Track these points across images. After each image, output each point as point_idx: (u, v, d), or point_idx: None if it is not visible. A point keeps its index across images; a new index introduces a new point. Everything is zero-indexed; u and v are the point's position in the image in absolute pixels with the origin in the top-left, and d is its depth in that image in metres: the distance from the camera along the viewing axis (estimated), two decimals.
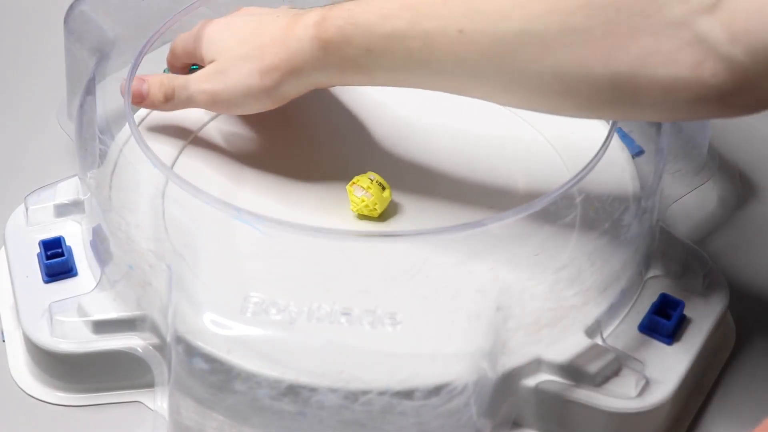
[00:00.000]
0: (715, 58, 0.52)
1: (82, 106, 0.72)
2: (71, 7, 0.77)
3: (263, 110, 0.70)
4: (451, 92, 0.64)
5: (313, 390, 0.60)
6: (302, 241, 0.65)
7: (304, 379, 0.60)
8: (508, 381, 0.63)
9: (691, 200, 0.77)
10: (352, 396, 0.60)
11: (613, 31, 0.54)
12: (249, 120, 0.76)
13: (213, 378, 0.61)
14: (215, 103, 0.71)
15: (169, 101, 0.72)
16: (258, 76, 0.68)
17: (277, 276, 0.66)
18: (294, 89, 0.68)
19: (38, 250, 0.71)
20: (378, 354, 0.62)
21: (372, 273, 0.66)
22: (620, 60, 0.55)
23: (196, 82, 0.71)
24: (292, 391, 0.60)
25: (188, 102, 0.72)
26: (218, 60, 0.70)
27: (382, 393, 0.60)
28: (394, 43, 0.62)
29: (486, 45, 0.59)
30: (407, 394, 0.60)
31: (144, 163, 0.67)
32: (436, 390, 0.60)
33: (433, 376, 0.60)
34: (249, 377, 0.61)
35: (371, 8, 0.63)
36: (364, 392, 0.60)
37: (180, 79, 0.72)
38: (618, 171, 0.72)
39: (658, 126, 0.71)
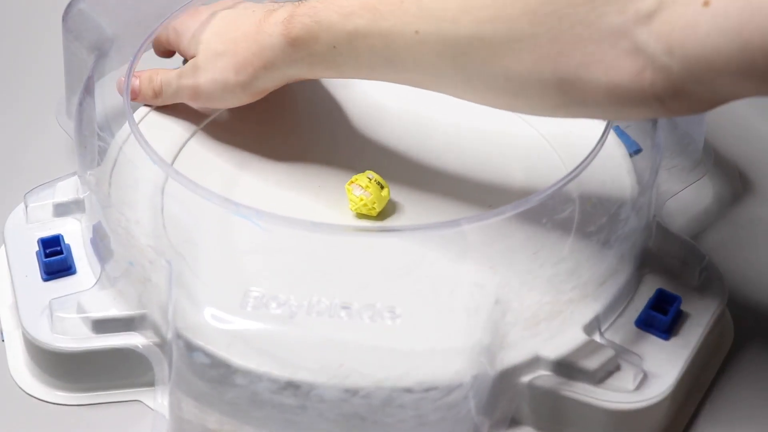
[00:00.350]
0: (653, 67, 0.54)
1: (81, 104, 0.72)
2: (69, 6, 0.77)
3: (242, 104, 0.73)
4: (416, 86, 0.66)
5: (312, 384, 0.60)
6: (301, 236, 0.66)
7: (304, 372, 0.60)
8: (506, 377, 0.63)
9: (687, 196, 0.77)
10: (352, 390, 0.60)
11: (557, 38, 0.56)
12: (248, 118, 0.76)
13: (213, 372, 0.61)
14: (197, 97, 0.73)
15: (158, 96, 0.75)
16: (233, 72, 0.70)
17: (277, 271, 0.66)
18: (269, 83, 0.70)
19: (37, 249, 0.71)
20: (377, 348, 0.62)
21: (371, 268, 0.66)
22: (566, 65, 0.56)
23: (178, 77, 0.73)
24: (293, 384, 0.60)
25: (175, 96, 0.74)
26: (197, 54, 0.72)
27: (380, 387, 0.60)
28: (357, 40, 0.64)
29: (440, 47, 0.60)
30: (406, 388, 0.60)
31: (144, 160, 0.67)
32: (435, 384, 0.60)
33: (431, 370, 0.60)
34: (249, 371, 0.61)
35: (334, 6, 0.64)
36: (363, 386, 0.60)
37: (166, 75, 0.74)
38: (615, 167, 0.73)
39: (654, 122, 0.71)
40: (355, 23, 0.63)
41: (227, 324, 0.62)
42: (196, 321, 0.62)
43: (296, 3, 0.68)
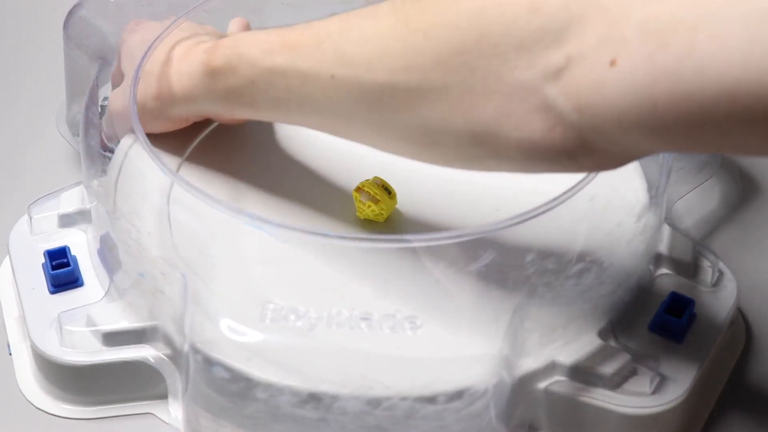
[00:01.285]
0: (563, 124, 0.53)
1: (86, 113, 0.71)
2: (71, 13, 0.76)
3: (164, 130, 0.71)
4: (332, 134, 0.65)
5: (335, 396, 0.60)
6: (316, 246, 0.65)
7: (326, 385, 0.60)
8: (524, 383, 0.63)
9: (694, 198, 0.77)
10: (375, 401, 0.60)
11: (470, 89, 0.55)
12: (252, 124, 0.76)
13: (233, 387, 0.61)
14: (123, 119, 0.71)
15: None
16: (151, 97, 0.69)
17: (293, 282, 0.66)
18: (183, 112, 0.70)
19: (43, 261, 0.70)
20: (399, 359, 0.61)
21: (389, 277, 0.66)
22: (478, 118, 0.56)
23: (113, 98, 0.72)
24: (314, 397, 0.60)
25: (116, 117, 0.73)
26: (126, 77, 0.71)
27: (404, 398, 0.60)
28: (275, 77, 0.63)
29: (355, 93, 0.60)
30: (430, 399, 0.60)
31: (152, 170, 0.66)
32: (458, 393, 0.60)
33: (455, 380, 0.60)
34: (270, 385, 0.60)
35: (255, 42, 0.64)
36: (387, 397, 0.60)
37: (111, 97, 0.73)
38: (625, 170, 0.73)
39: None
40: (274, 60, 0.62)
41: (246, 337, 0.62)
42: (214, 335, 0.61)
43: (223, 36, 0.68)
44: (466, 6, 0.55)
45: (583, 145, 0.54)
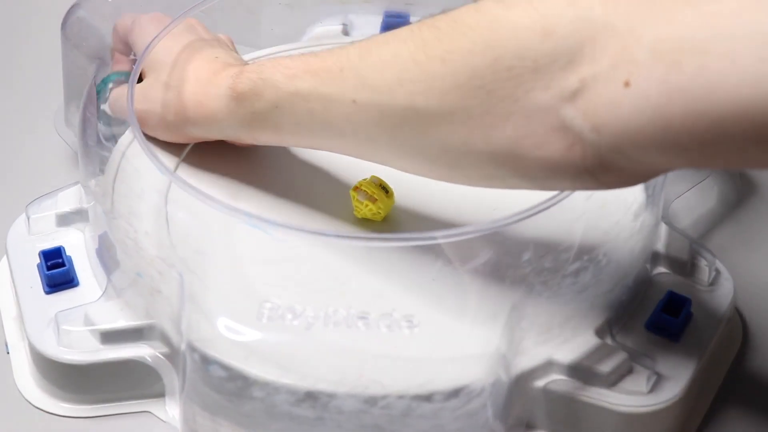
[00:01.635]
0: (582, 143, 0.54)
1: (84, 113, 0.71)
2: (68, 14, 0.76)
3: (169, 140, 0.72)
4: (355, 156, 0.66)
5: (332, 395, 0.60)
6: (313, 245, 0.65)
7: (322, 384, 0.60)
8: (521, 382, 0.63)
9: (691, 197, 0.77)
10: (372, 400, 0.60)
11: (489, 111, 0.56)
12: None
13: (230, 385, 0.61)
14: (144, 124, 0.71)
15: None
16: (172, 112, 0.69)
17: (290, 281, 0.66)
18: (202, 134, 0.70)
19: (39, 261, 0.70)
20: (396, 357, 0.61)
21: (386, 276, 0.66)
22: (498, 139, 0.57)
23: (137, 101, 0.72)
24: (311, 396, 0.60)
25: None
26: (148, 77, 0.71)
27: (401, 397, 0.60)
28: (298, 102, 0.64)
29: (376, 117, 0.61)
30: (427, 397, 0.60)
31: (150, 169, 0.66)
32: (455, 392, 0.60)
33: (452, 378, 0.60)
34: (267, 384, 0.60)
35: (279, 67, 0.65)
36: (384, 396, 0.60)
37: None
38: None
39: None
40: (297, 85, 0.63)
41: (243, 336, 0.62)
42: (211, 334, 0.61)
43: (248, 61, 0.68)
44: (480, 31, 0.56)
45: (603, 164, 0.54)
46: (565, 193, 0.64)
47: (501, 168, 0.58)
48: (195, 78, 0.69)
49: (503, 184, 0.61)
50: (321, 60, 0.63)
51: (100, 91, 0.74)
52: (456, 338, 0.62)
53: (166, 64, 0.71)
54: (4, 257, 0.73)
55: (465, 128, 0.57)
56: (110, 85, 0.74)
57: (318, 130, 0.64)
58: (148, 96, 0.70)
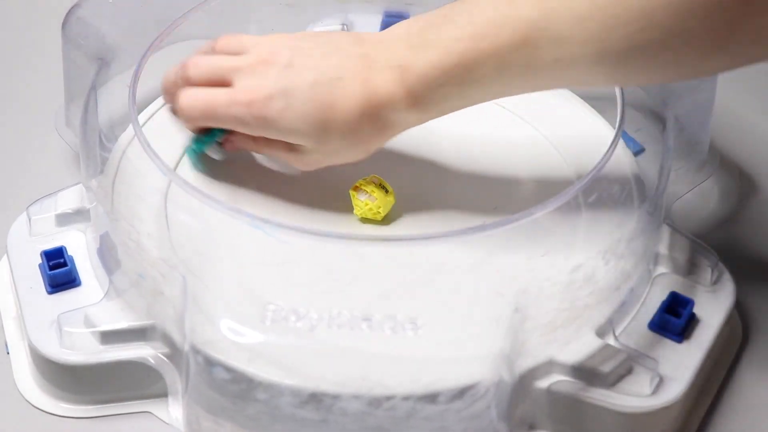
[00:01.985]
0: None
1: (85, 113, 0.71)
2: (69, 13, 0.76)
3: (348, 161, 0.68)
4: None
5: (336, 397, 0.60)
6: (316, 246, 0.65)
7: (326, 386, 0.60)
8: (524, 383, 0.63)
9: (693, 198, 0.78)
10: (376, 402, 0.60)
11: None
12: None
13: (234, 387, 0.61)
14: (267, 126, 0.66)
15: (207, 118, 0.68)
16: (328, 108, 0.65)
17: (293, 283, 0.66)
18: (415, 119, 0.67)
19: (40, 261, 0.70)
20: (400, 359, 0.61)
21: (390, 277, 0.66)
22: None
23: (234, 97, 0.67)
24: (315, 398, 0.60)
25: (228, 120, 0.68)
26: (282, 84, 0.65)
27: (406, 398, 0.60)
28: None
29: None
30: (431, 399, 0.60)
31: (152, 171, 0.66)
32: (460, 393, 0.60)
33: (456, 380, 0.60)
34: (270, 386, 0.60)
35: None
36: (388, 398, 0.60)
37: (222, 95, 0.67)
38: (624, 169, 0.73)
39: (663, 125, 0.71)
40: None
41: (247, 338, 0.62)
42: (214, 336, 0.61)
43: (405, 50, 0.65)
44: None
45: None
46: (567, 193, 0.64)
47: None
48: (352, 74, 0.65)
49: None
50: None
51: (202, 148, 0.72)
52: (459, 340, 0.62)
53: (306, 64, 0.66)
54: (5, 257, 0.73)
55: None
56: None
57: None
58: (290, 95, 0.65)
